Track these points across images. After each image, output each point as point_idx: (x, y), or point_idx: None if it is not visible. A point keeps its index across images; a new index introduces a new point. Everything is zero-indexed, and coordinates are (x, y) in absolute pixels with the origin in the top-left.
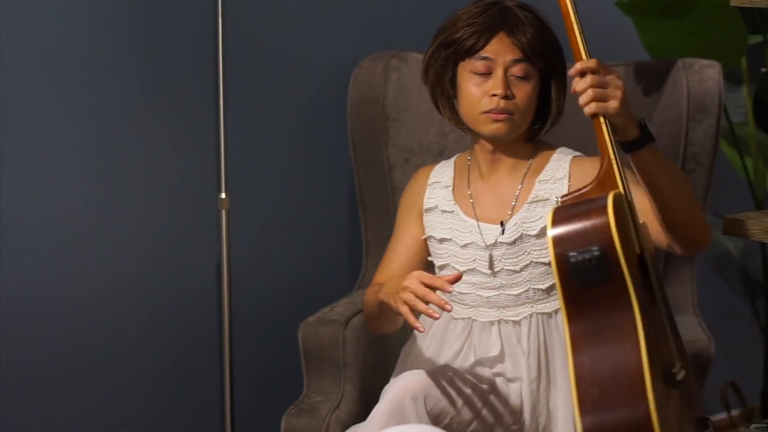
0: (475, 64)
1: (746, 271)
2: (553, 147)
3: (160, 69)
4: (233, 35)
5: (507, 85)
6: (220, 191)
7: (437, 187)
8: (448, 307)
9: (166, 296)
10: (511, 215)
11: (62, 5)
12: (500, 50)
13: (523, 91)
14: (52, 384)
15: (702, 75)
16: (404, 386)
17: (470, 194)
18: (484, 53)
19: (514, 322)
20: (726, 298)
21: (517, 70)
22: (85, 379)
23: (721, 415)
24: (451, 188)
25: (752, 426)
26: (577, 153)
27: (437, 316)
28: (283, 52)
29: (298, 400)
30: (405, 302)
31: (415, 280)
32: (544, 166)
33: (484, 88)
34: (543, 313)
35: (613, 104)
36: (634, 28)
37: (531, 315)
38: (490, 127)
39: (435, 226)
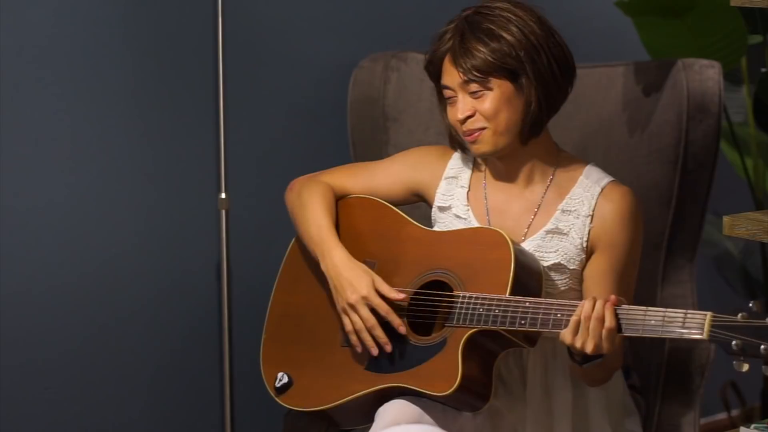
0: (444, 92)
1: (746, 271)
2: (580, 163)
3: (160, 69)
4: (233, 35)
5: (466, 107)
6: (220, 191)
7: (453, 184)
8: (388, 348)
9: (166, 296)
10: (525, 239)
11: (62, 5)
12: (450, 77)
13: (484, 103)
14: (51, 384)
15: (702, 75)
16: (397, 414)
17: (486, 206)
18: (443, 83)
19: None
20: (726, 298)
21: (470, 88)
22: (84, 379)
23: (721, 415)
24: (466, 190)
25: (752, 426)
26: (606, 179)
27: (375, 352)
28: (283, 52)
29: None
30: (352, 324)
31: (366, 309)
32: (569, 187)
33: (455, 111)
34: (545, 338)
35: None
36: (634, 28)
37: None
38: (473, 149)
39: (448, 227)
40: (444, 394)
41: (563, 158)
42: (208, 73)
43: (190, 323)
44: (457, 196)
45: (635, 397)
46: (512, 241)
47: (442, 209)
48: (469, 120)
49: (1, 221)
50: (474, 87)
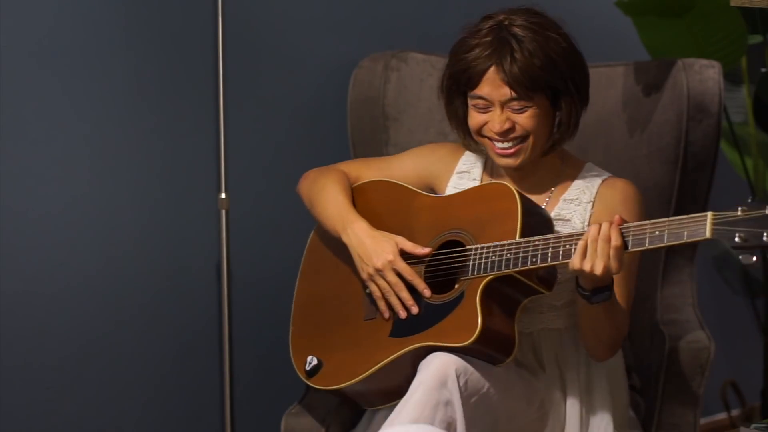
0: (475, 100)
1: (746, 271)
2: (580, 161)
3: (161, 69)
4: (233, 35)
5: (504, 120)
6: (220, 191)
7: (466, 178)
8: (414, 309)
9: (166, 296)
10: None
11: (62, 5)
12: (493, 89)
13: (525, 118)
14: (51, 384)
15: (702, 75)
16: (446, 360)
17: None
18: (479, 92)
19: (526, 333)
20: (726, 298)
21: (513, 104)
22: (84, 380)
23: (721, 415)
24: (478, 182)
25: (752, 426)
26: (605, 174)
27: (404, 315)
28: (283, 52)
29: (299, 400)
30: (379, 288)
31: (393, 273)
32: (571, 182)
33: (486, 118)
34: (554, 329)
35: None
36: (634, 28)
37: (542, 330)
38: (503, 162)
39: None
40: (466, 343)
41: (566, 156)
42: (209, 73)
43: (190, 323)
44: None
45: (635, 398)
46: (517, 191)
47: None
48: (510, 132)
49: (1, 221)
50: (517, 103)
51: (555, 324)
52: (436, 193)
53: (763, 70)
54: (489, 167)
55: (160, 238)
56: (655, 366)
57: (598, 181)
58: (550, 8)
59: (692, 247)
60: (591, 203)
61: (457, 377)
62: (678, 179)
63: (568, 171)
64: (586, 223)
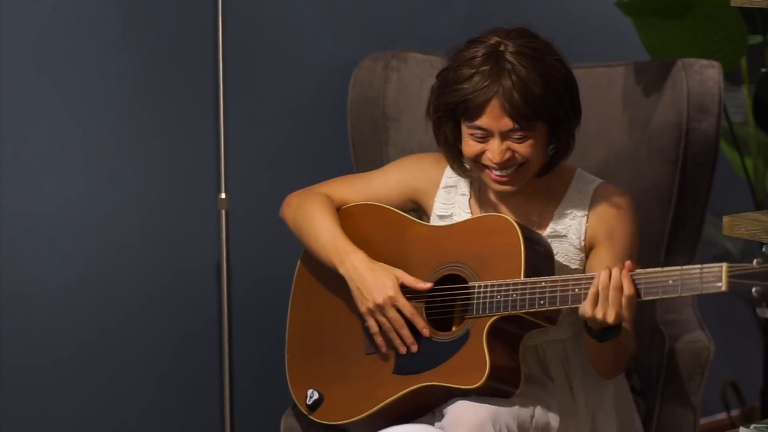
0: (473, 130)
1: None
2: (569, 168)
3: (160, 69)
4: (233, 35)
5: (505, 150)
6: (220, 191)
7: (453, 193)
8: (414, 348)
9: (166, 296)
10: None
11: (62, 5)
12: (493, 120)
13: (525, 147)
14: (52, 384)
15: (702, 75)
16: (475, 416)
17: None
18: (479, 123)
19: (530, 346)
20: (726, 298)
21: (514, 134)
22: (84, 379)
23: (721, 415)
24: (468, 198)
25: (752, 426)
26: (596, 181)
27: (403, 351)
28: (283, 52)
29: None
30: (379, 324)
31: (393, 310)
32: (563, 192)
33: (483, 147)
34: (557, 340)
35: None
36: (634, 28)
37: (545, 341)
38: (499, 188)
39: None
40: (476, 385)
41: (557, 168)
42: (208, 73)
43: (190, 323)
44: (458, 204)
45: (634, 399)
46: (518, 224)
47: (442, 218)
48: (510, 161)
49: (1, 221)
50: (518, 133)
51: (557, 335)
52: (423, 210)
53: (763, 70)
54: (475, 181)
55: (160, 238)
56: (655, 366)
57: (590, 190)
58: (551, 8)
59: (692, 246)
60: (585, 217)
61: (493, 425)
62: (678, 179)
63: (559, 181)
64: (582, 239)
